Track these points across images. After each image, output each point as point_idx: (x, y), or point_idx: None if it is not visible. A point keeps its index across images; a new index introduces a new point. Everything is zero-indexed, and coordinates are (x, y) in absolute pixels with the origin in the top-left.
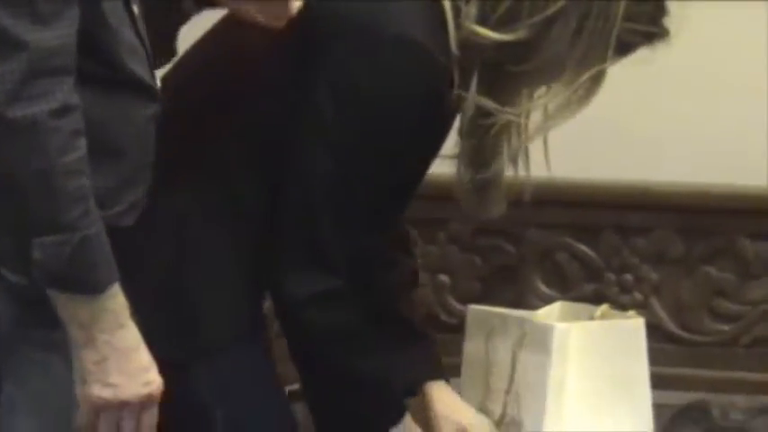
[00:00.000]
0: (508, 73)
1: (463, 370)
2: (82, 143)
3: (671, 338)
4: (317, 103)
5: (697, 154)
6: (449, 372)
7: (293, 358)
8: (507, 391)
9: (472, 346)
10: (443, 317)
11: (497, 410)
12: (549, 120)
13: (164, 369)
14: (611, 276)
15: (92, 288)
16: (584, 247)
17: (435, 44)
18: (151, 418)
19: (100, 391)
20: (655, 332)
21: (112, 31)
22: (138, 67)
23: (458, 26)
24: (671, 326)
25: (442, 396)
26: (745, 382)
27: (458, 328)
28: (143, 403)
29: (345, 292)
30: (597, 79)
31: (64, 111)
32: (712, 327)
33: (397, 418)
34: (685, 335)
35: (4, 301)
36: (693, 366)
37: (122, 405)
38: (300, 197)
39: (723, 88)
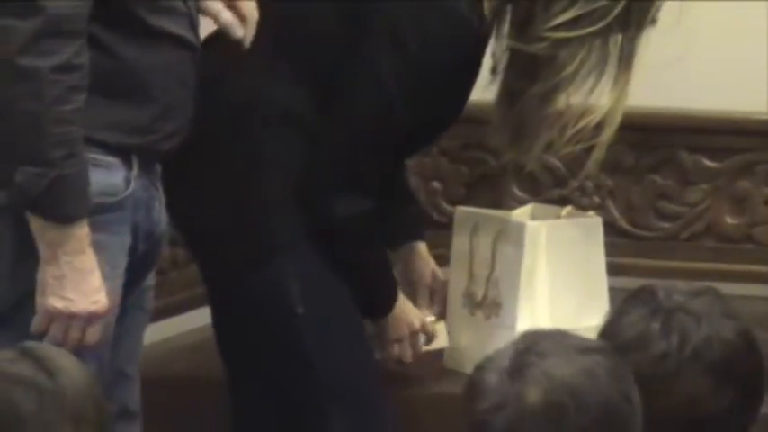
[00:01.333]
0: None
1: (452, 260)
2: (79, 98)
3: (623, 234)
4: (369, 47)
5: (646, 80)
6: (439, 262)
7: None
8: (488, 278)
9: (459, 241)
10: (435, 216)
11: (480, 293)
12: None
13: (238, 269)
14: (574, 183)
15: (61, 218)
16: (551, 159)
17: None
18: (94, 334)
19: (55, 302)
20: (610, 229)
21: None
22: (178, 28)
23: None
24: (623, 224)
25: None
26: (683, 270)
27: (447, 226)
28: (90, 318)
29: (373, 210)
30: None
31: (66, 68)
32: (657, 224)
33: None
34: (635, 231)
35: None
36: (642, 257)
37: (72, 317)
38: (345, 135)
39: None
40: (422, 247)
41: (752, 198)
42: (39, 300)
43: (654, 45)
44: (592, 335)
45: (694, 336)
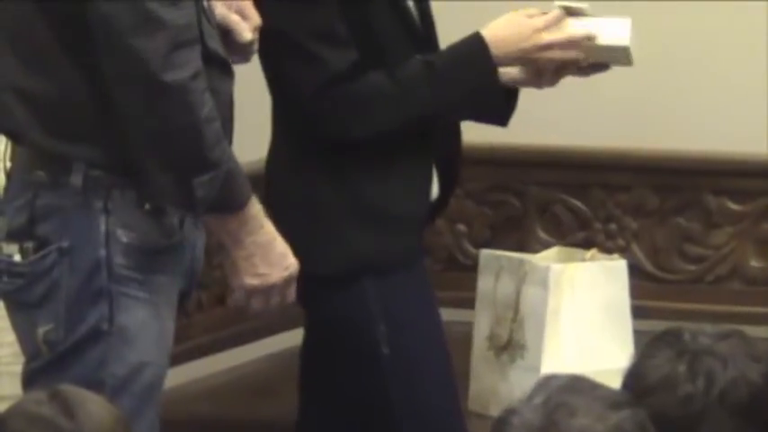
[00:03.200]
0: None
1: (477, 302)
2: (209, 97)
3: (648, 277)
4: None
5: (669, 123)
6: (464, 304)
7: None
8: (513, 320)
9: (484, 283)
10: (461, 258)
11: (504, 335)
12: None
13: (323, 284)
14: (599, 225)
15: (237, 206)
16: (576, 202)
17: None
18: (292, 292)
19: (251, 280)
20: (634, 271)
21: (203, 10)
22: (216, 44)
23: None
24: (648, 266)
25: None
26: (709, 313)
27: (472, 268)
28: (286, 284)
29: None
30: None
31: (198, 74)
32: (682, 267)
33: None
34: (660, 273)
35: (120, 246)
36: (667, 300)
37: (270, 288)
38: None
39: (697, 73)
40: None
41: None
42: (235, 281)
43: (676, 89)
44: (617, 377)
45: (721, 378)
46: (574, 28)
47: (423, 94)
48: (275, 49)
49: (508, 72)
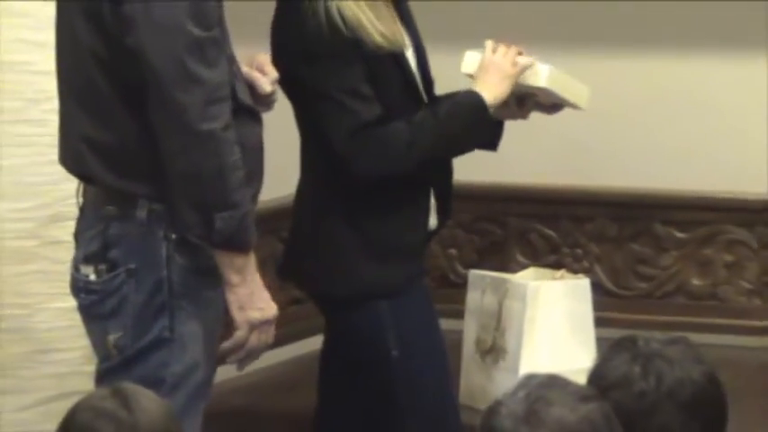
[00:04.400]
0: None
1: (465, 314)
2: (237, 148)
3: (608, 293)
4: None
5: (625, 164)
6: (455, 315)
7: None
8: (496, 328)
9: (471, 298)
10: (452, 277)
11: (489, 341)
12: None
13: (343, 304)
14: (567, 250)
15: (246, 245)
16: (548, 230)
17: None
18: (272, 334)
19: (254, 314)
20: (597, 288)
21: (234, 70)
22: (245, 93)
23: None
24: (608, 284)
25: None
26: (659, 323)
27: (462, 286)
28: (274, 320)
29: None
30: None
31: (228, 126)
32: (636, 284)
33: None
34: (617, 290)
35: (178, 268)
36: (623, 312)
37: (266, 322)
38: None
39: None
40: None
41: (714, 263)
42: (240, 316)
43: (632, 136)
44: (583, 376)
45: (668, 377)
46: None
47: (433, 134)
48: (311, 104)
49: (497, 108)
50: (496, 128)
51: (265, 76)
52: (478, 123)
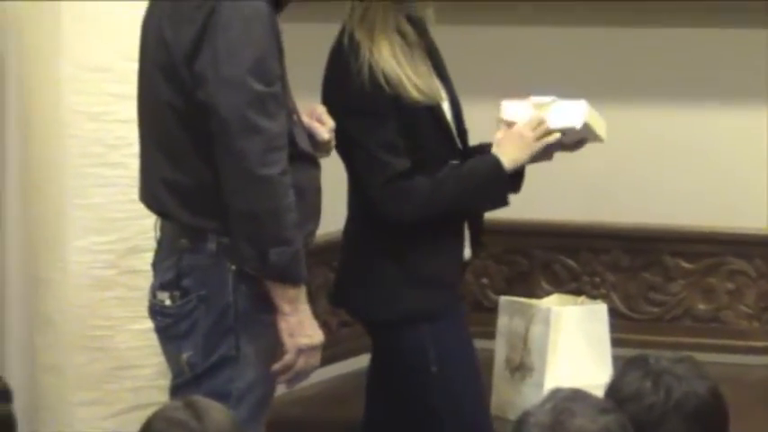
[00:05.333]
0: None
1: (497, 335)
2: (292, 191)
3: (622, 316)
4: None
5: (638, 202)
6: (487, 337)
7: None
8: (523, 348)
9: (502, 321)
10: (485, 303)
11: (517, 359)
12: None
13: (388, 326)
14: (586, 279)
15: (297, 278)
16: (570, 261)
17: None
18: (319, 359)
19: (303, 340)
20: (612, 313)
21: (294, 120)
22: (305, 141)
23: None
24: (622, 308)
25: None
26: (667, 343)
27: (493, 311)
28: (321, 345)
29: None
30: None
31: (285, 172)
32: (647, 309)
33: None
34: (631, 314)
35: (243, 295)
36: (636, 333)
37: (314, 348)
38: None
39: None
40: None
41: (717, 290)
42: (290, 342)
43: (646, 178)
44: (600, 391)
45: (676, 392)
46: (550, 122)
47: (451, 192)
48: (352, 153)
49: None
50: (515, 183)
51: (323, 126)
52: (493, 188)
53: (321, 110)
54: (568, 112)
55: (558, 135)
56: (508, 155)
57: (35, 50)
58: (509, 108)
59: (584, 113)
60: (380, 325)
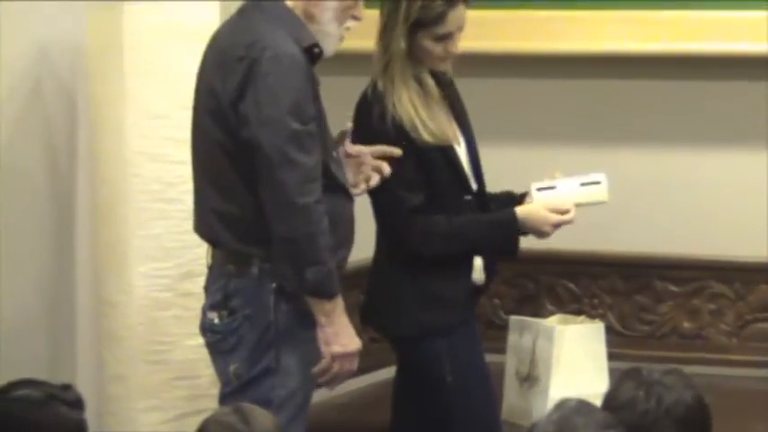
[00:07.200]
0: None
1: (507, 350)
2: (326, 218)
3: (618, 334)
4: None
5: (631, 232)
6: (499, 351)
7: None
8: (531, 361)
9: (512, 338)
10: (496, 321)
11: (525, 371)
12: None
13: (409, 341)
14: (586, 300)
15: (331, 293)
16: (571, 285)
17: None
18: (355, 364)
19: (338, 348)
20: (609, 331)
21: (330, 153)
22: (342, 176)
23: None
24: (618, 327)
25: None
26: (658, 357)
27: (504, 328)
28: (357, 353)
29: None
30: None
31: (320, 201)
32: (639, 327)
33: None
34: (625, 332)
35: (283, 313)
36: (630, 349)
37: (348, 355)
38: None
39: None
40: None
41: (701, 311)
42: (326, 349)
43: (634, 211)
44: (598, 399)
45: (666, 400)
46: (572, 212)
47: (466, 237)
48: (376, 190)
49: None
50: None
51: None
52: (503, 244)
53: (359, 147)
54: (591, 189)
55: (572, 216)
56: (529, 222)
57: (102, 98)
58: (537, 195)
59: (606, 186)
60: (402, 340)
